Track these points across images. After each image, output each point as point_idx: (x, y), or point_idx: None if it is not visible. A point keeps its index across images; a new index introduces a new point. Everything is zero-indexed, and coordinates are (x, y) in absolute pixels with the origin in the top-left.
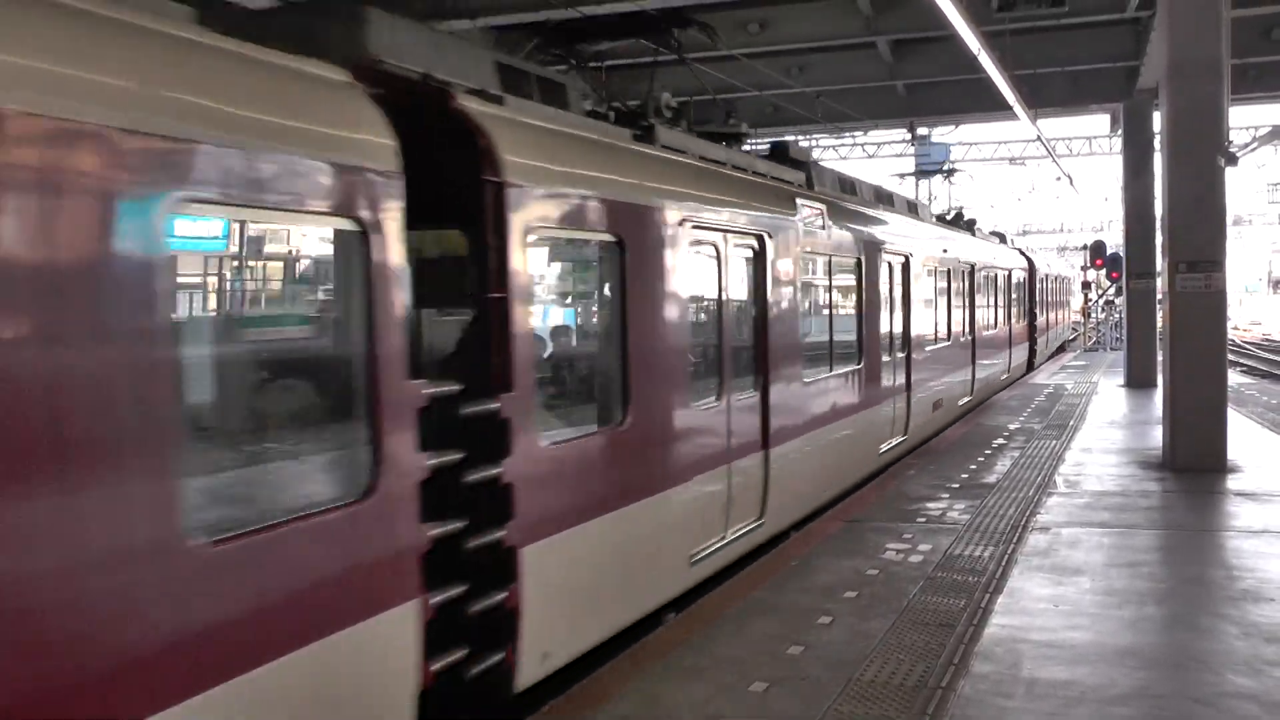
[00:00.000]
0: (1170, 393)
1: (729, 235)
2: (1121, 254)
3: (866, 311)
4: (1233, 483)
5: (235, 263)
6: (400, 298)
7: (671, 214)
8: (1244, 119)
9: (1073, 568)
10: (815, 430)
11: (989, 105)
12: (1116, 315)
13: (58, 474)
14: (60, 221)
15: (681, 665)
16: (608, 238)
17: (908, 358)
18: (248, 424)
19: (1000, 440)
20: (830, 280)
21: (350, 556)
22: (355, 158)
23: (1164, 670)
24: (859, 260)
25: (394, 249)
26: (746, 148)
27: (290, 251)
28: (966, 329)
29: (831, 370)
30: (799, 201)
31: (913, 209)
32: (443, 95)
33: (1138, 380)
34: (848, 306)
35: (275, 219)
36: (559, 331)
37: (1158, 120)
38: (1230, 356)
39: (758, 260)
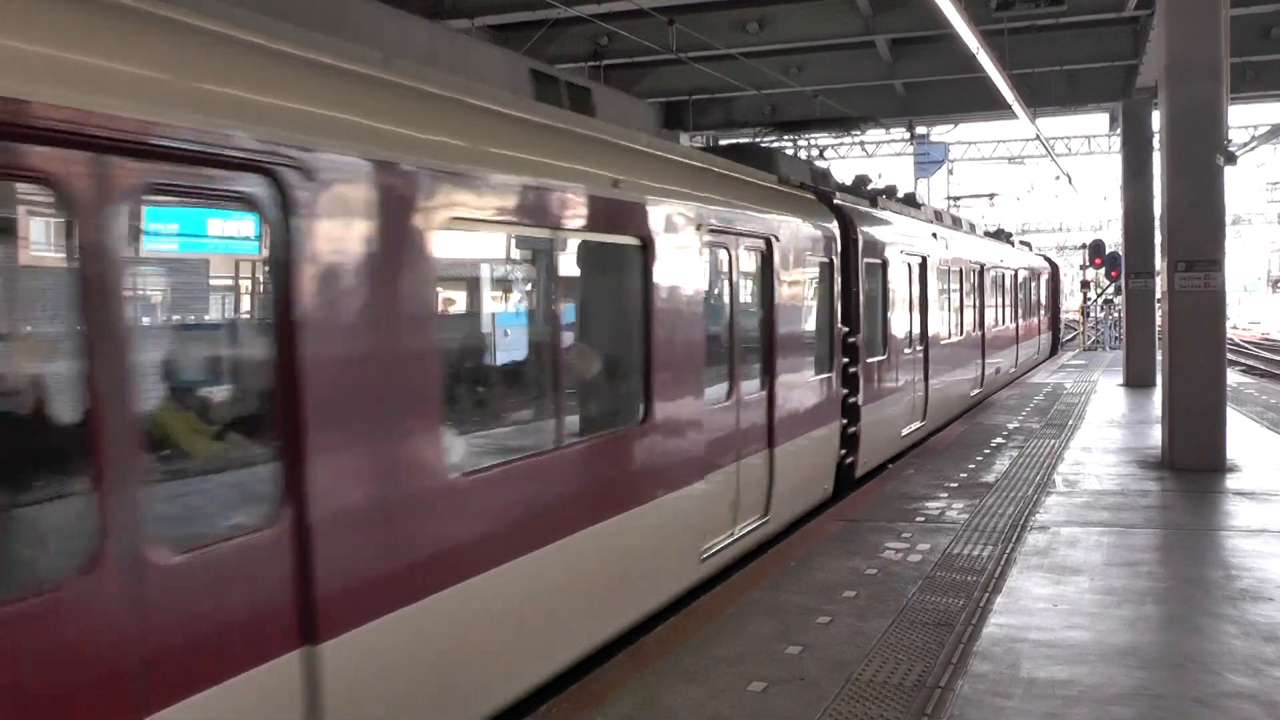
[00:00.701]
0: (1169, 392)
1: (928, 260)
2: (1120, 253)
3: (1000, 303)
4: (1232, 482)
5: (798, 276)
6: (836, 291)
7: (892, 249)
8: (1242, 118)
9: (1071, 567)
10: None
11: (988, 104)
12: (1115, 314)
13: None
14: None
15: (680, 665)
16: (875, 261)
17: (1016, 331)
18: (810, 349)
19: (999, 439)
20: (967, 285)
21: (827, 397)
22: (831, 230)
23: (1163, 670)
24: (978, 270)
25: (839, 271)
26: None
27: (815, 273)
28: (1023, 314)
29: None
30: (940, 234)
31: (972, 228)
32: (830, 195)
33: (1136, 379)
34: (990, 304)
35: (810, 260)
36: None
37: (1156, 119)
38: (1229, 356)
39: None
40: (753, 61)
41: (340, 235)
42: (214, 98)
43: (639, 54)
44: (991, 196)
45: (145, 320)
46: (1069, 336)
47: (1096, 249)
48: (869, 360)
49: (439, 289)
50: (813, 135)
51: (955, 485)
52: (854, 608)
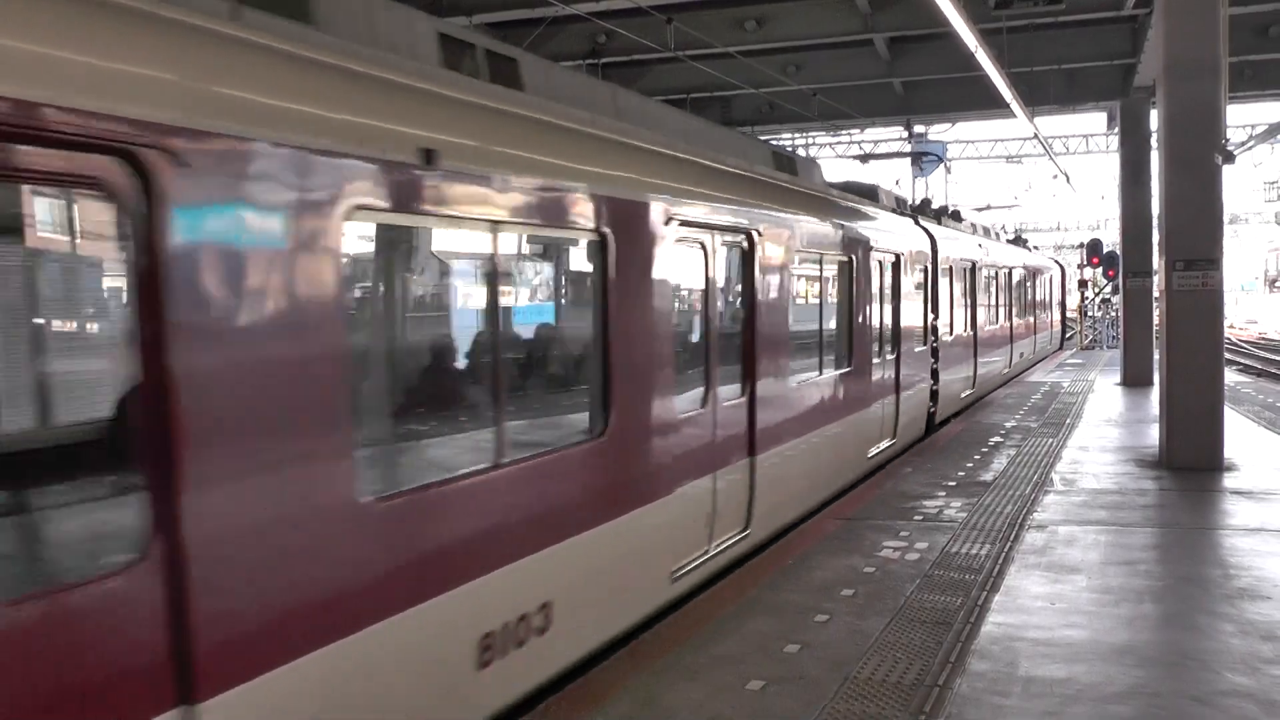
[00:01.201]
0: (1166, 391)
1: (976, 264)
2: (1118, 252)
3: (1023, 300)
4: (1229, 481)
5: (915, 280)
6: (930, 293)
7: (955, 257)
8: (1240, 117)
9: (1069, 566)
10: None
11: (986, 103)
12: (1113, 314)
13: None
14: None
15: (679, 664)
16: (946, 266)
17: (1009, 325)
18: (919, 330)
19: (997, 438)
20: (1000, 284)
21: (925, 364)
22: (925, 245)
23: (1161, 668)
24: (1008, 271)
25: (934, 276)
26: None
27: (920, 278)
28: (1040, 309)
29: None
30: (983, 244)
31: (998, 236)
32: (916, 217)
33: (1134, 379)
34: (1016, 300)
35: (918, 268)
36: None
37: (1154, 118)
38: (1227, 355)
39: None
40: (751, 60)
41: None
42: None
43: (637, 52)
44: (1010, 206)
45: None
46: (1069, 335)
47: (1094, 248)
48: (944, 340)
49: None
50: (811, 133)
51: (953, 484)
52: (852, 606)
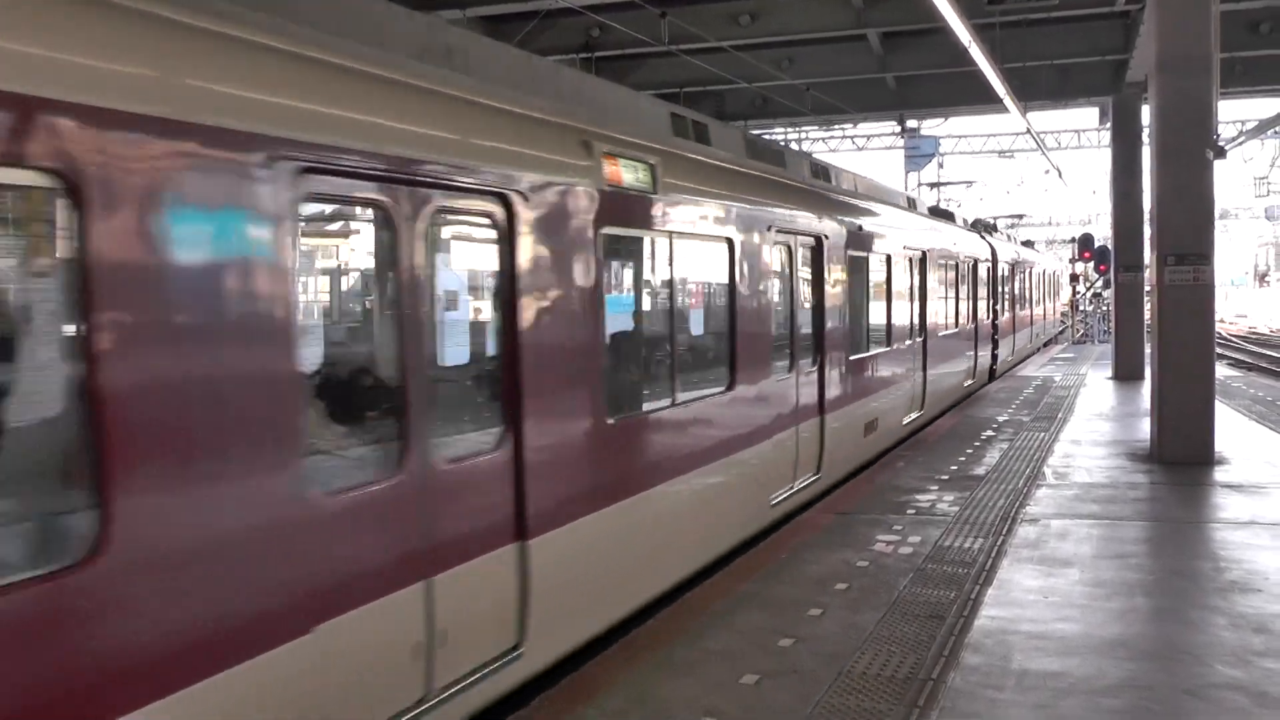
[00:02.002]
0: (1158, 385)
1: (1014, 264)
2: (1110, 247)
3: (1042, 292)
4: (1220, 475)
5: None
6: (991, 286)
7: (1002, 260)
8: (1231, 113)
9: (1062, 559)
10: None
11: (979, 98)
12: (1105, 308)
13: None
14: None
15: (673, 659)
16: (998, 268)
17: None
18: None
19: (989, 432)
20: (1032, 281)
21: (988, 334)
22: (988, 253)
23: (1153, 661)
24: (1039, 271)
25: (991, 273)
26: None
27: (986, 274)
28: (1048, 300)
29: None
30: (1019, 252)
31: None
32: (979, 230)
33: (1125, 373)
34: (1037, 292)
35: (986, 269)
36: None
37: (1146, 114)
38: (1217, 349)
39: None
40: (744, 54)
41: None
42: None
43: (631, 46)
44: (969, 184)
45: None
46: (1060, 329)
47: (1086, 242)
48: (1001, 320)
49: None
50: (804, 128)
51: (946, 478)
52: (846, 600)
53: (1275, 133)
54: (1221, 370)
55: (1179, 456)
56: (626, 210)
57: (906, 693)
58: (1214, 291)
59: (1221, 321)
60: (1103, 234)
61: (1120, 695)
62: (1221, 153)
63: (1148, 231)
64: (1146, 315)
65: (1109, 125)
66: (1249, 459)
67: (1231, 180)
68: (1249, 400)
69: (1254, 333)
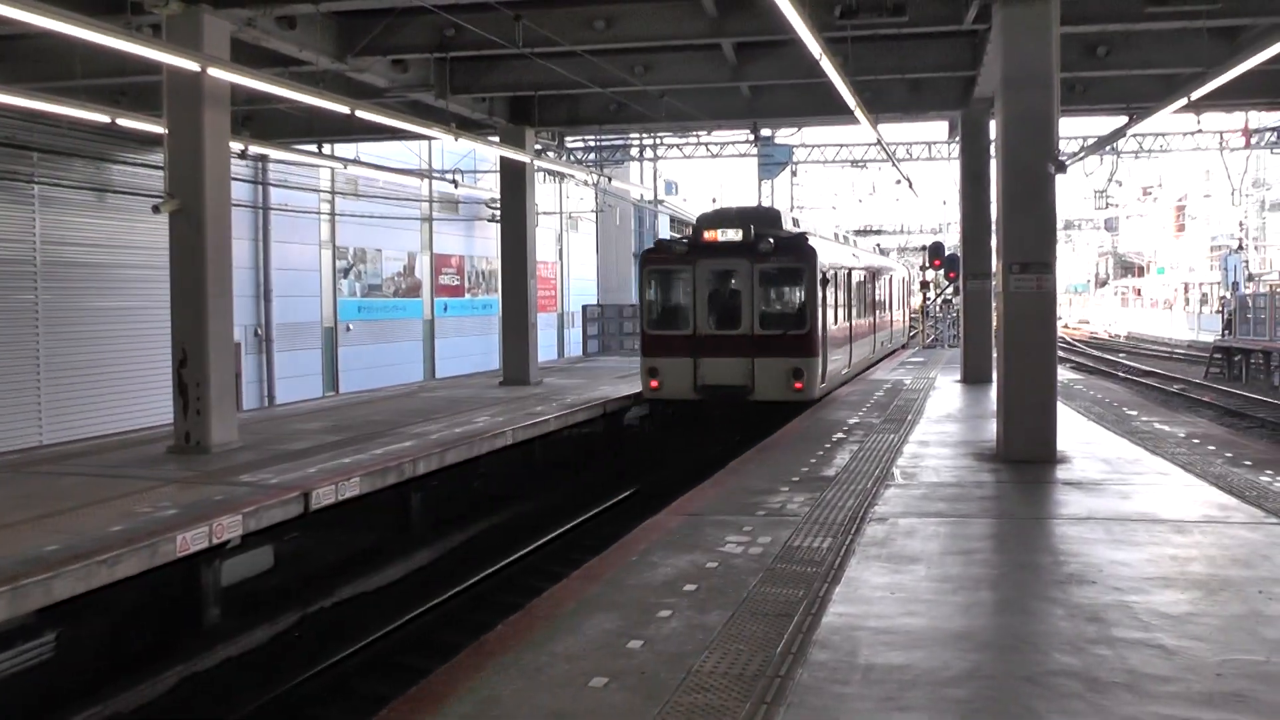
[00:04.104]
0: (1004, 388)
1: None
2: (959, 255)
3: (890, 298)
4: (1061, 473)
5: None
6: (911, 293)
7: (896, 274)
8: (1072, 129)
9: (909, 556)
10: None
11: (831, 109)
12: (954, 314)
13: None
14: None
15: (520, 663)
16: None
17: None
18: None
19: (840, 434)
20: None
21: (904, 325)
22: (901, 271)
23: (995, 652)
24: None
25: (906, 285)
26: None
27: (903, 286)
28: (902, 304)
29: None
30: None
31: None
32: (887, 253)
33: (974, 376)
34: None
35: (902, 282)
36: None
37: (993, 128)
38: (1060, 354)
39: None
40: (599, 59)
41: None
42: None
43: (486, 47)
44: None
45: None
46: (911, 334)
47: (936, 251)
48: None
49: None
50: (659, 134)
51: (796, 479)
52: (695, 601)
53: (1112, 149)
54: (1064, 374)
55: (1023, 456)
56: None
57: (754, 689)
58: (1055, 299)
59: (1066, 327)
60: (953, 243)
61: (964, 685)
62: (1062, 167)
63: (994, 241)
64: (994, 321)
65: (959, 138)
66: (1088, 457)
67: (1074, 193)
68: (1089, 402)
69: (1095, 337)
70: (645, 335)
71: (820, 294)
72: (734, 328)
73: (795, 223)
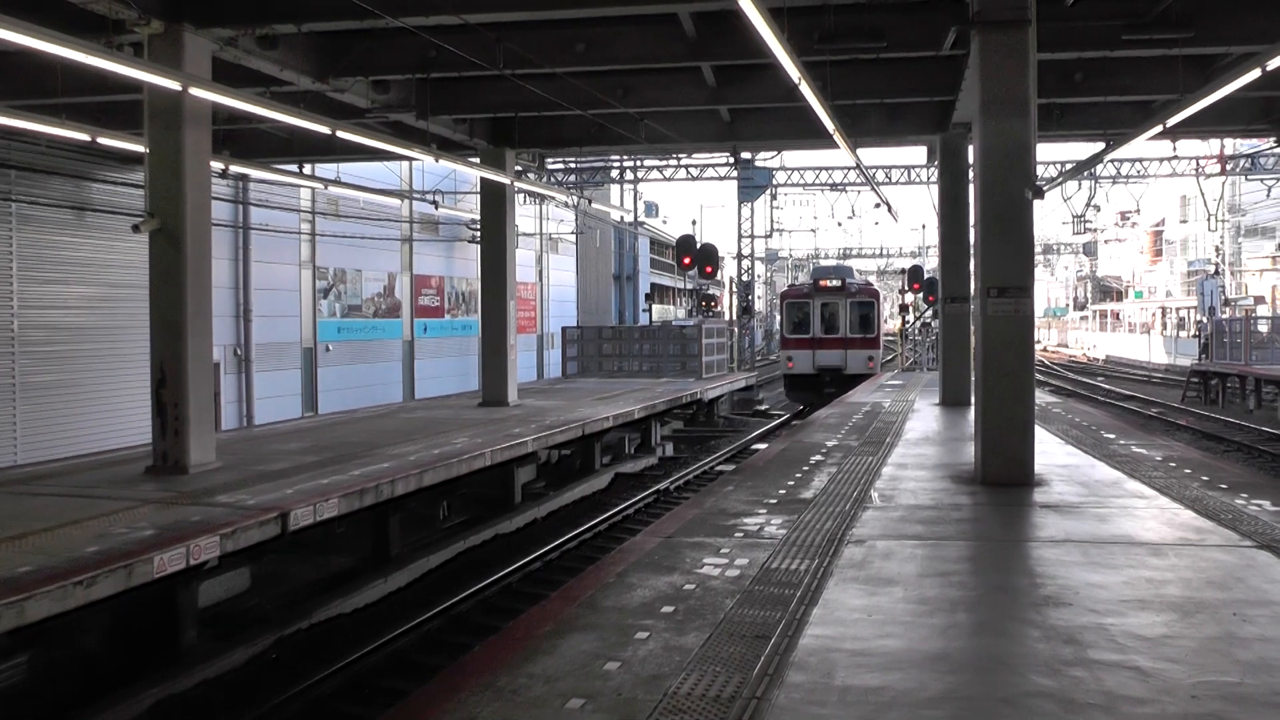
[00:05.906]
0: (982, 411)
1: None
2: (937, 279)
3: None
4: (1039, 495)
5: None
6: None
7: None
8: (1050, 154)
9: (886, 578)
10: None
11: (810, 133)
12: (933, 337)
13: None
14: None
15: (495, 685)
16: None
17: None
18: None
19: (818, 457)
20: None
21: (880, 346)
22: (877, 296)
23: (972, 673)
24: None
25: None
26: None
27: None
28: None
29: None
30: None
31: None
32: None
33: (952, 399)
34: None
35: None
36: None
37: (971, 153)
38: (1039, 377)
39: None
40: (580, 82)
41: None
42: None
43: (466, 69)
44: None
45: None
46: (888, 358)
47: (915, 274)
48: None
49: None
50: (640, 156)
51: (774, 501)
52: (672, 623)
53: (1090, 174)
54: (1042, 397)
55: (1001, 478)
56: None
57: (730, 711)
58: (1033, 322)
59: (1044, 350)
60: (931, 266)
61: (940, 706)
62: (1040, 192)
63: (973, 264)
64: (972, 344)
65: (937, 162)
66: (1065, 480)
67: (1053, 218)
68: (1066, 425)
69: (1074, 361)
70: (785, 338)
71: (879, 316)
72: (836, 333)
73: (859, 274)
